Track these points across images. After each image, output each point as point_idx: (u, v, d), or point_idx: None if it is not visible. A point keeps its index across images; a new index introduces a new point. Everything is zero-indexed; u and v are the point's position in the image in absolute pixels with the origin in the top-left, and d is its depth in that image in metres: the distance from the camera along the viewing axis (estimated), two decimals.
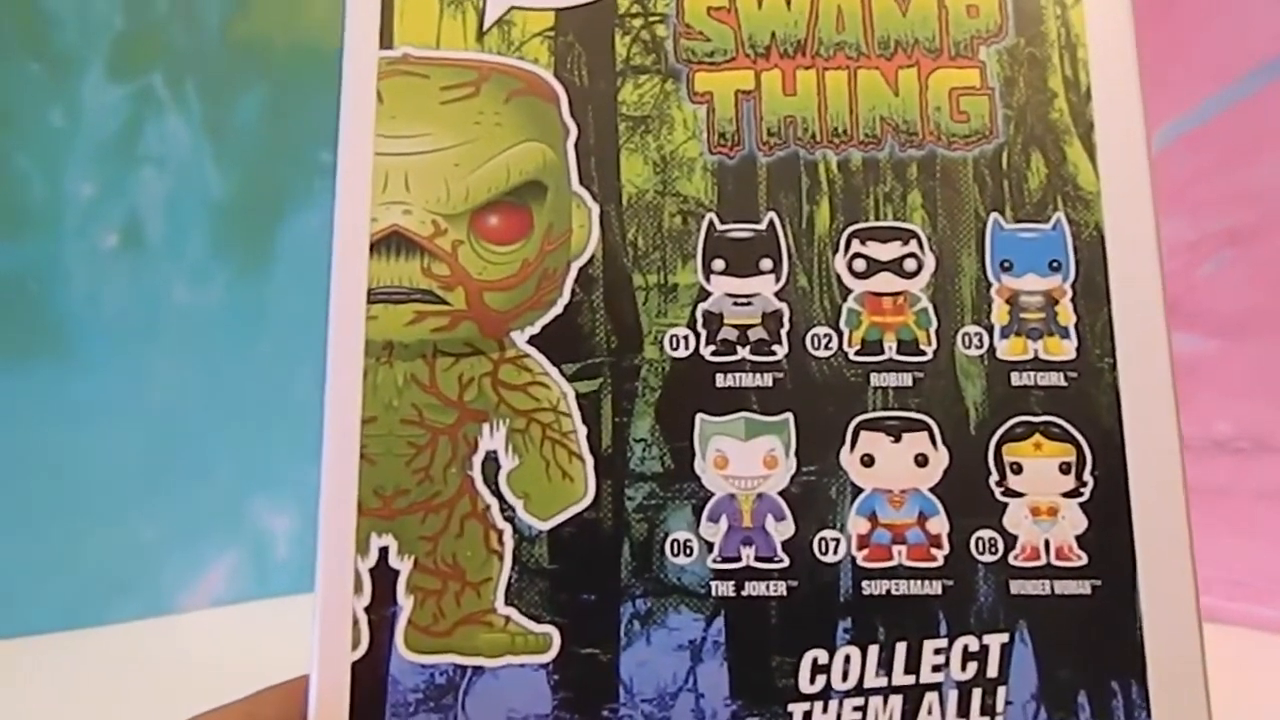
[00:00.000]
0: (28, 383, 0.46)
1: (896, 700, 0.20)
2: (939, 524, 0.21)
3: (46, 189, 0.46)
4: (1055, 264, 0.21)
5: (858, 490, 0.21)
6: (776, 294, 0.22)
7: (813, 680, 0.20)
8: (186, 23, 0.48)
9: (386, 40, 0.23)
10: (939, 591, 0.20)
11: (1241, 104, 0.43)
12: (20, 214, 0.46)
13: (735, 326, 0.21)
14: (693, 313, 0.21)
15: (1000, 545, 0.21)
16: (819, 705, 0.20)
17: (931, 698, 0.20)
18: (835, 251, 0.22)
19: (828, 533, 0.21)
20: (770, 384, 0.21)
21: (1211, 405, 0.44)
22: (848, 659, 0.20)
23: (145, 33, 0.47)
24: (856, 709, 0.20)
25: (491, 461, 0.21)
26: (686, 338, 0.21)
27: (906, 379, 0.21)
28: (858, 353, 0.21)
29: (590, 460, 0.21)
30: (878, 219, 0.22)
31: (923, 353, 0.21)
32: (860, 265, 0.22)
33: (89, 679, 0.44)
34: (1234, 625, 0.43)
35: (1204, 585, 0.42)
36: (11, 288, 0.46)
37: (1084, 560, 0.20)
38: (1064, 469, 0.21)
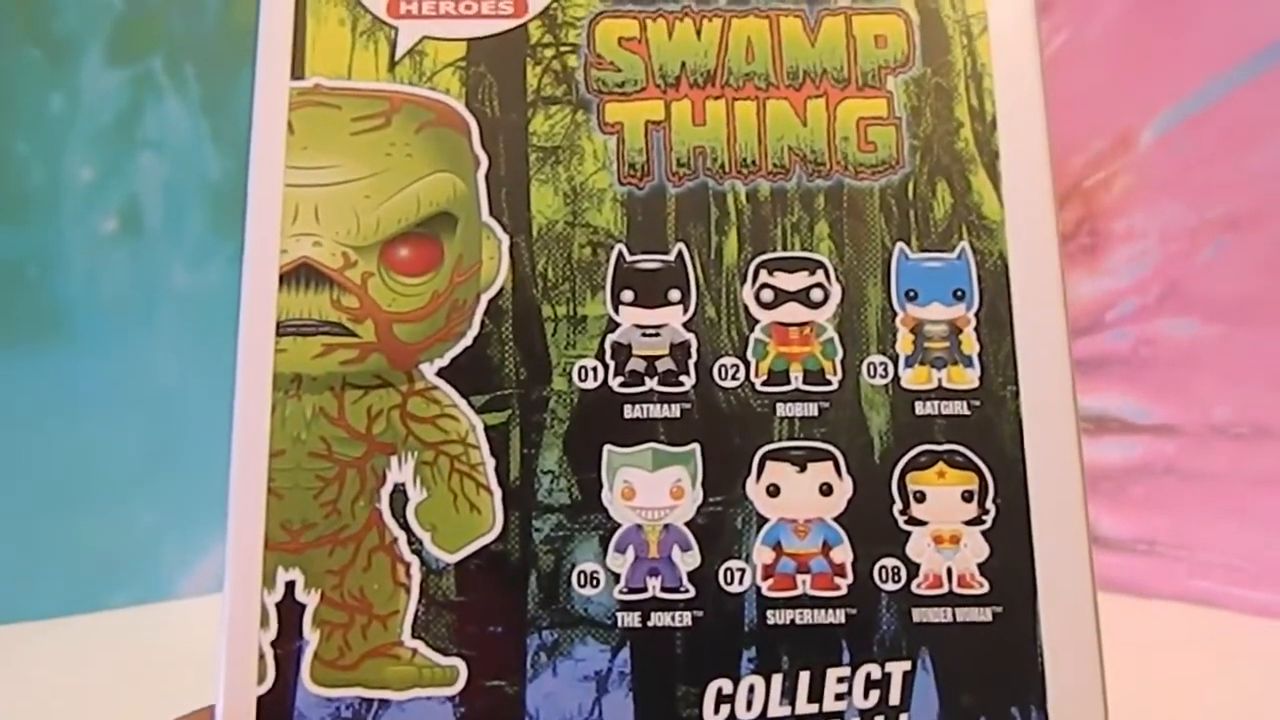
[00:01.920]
0: (27, 367, 0.46)
1: None
2: (843, 553, 0.21)
3: (46, 174, 0.46)
4: (959, 293, 0.22)
5: (763, 520, 0.21)
6: (685, 324, 0.22)
7: (717, 710, 0.20)
8: (185, 7, 0.48)
9: (298, 70, 0.23)
10: (842, 620, 0.21)
11: (1243, 89, 0.43)
12: (19, 199, 0.46)
13: (643, 357, 0.22)
14: (601, 344, 0.22)
15: (903, 573, 0.21)
16: None
17: None
18: (743, 282, 0.22)
19: (733, 563, 0.21)
20: (678, 414, 0.21)
21: (1211, 390, 0.44)
22: (751, 689, 0.20)
23: (144, 17, 0.47)
24: None
25: (400, 494, 0.21)
26: (595, 369, 0.22)
27: (812, 409, 0.21)
28: (764, 383, 0.21)
29: (498, 492, 0.21)
30: (785, 249, 0.22)
31: (828, 383, 0.21)
32: (768, 295, 0.22)
33: (88, 664, 0.44)
34: (1231, 610, 0.43)
35: (1202, 570, 0.42)
36: (11, 272, 0.46)
37: (985, 588, 0.21)
38: (966, 497, 0.21)
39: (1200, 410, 0.44)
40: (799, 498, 0.21)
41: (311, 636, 0.21)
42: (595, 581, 0.21)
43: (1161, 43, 0.44)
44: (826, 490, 0.21)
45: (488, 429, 0.21)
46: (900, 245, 0.22)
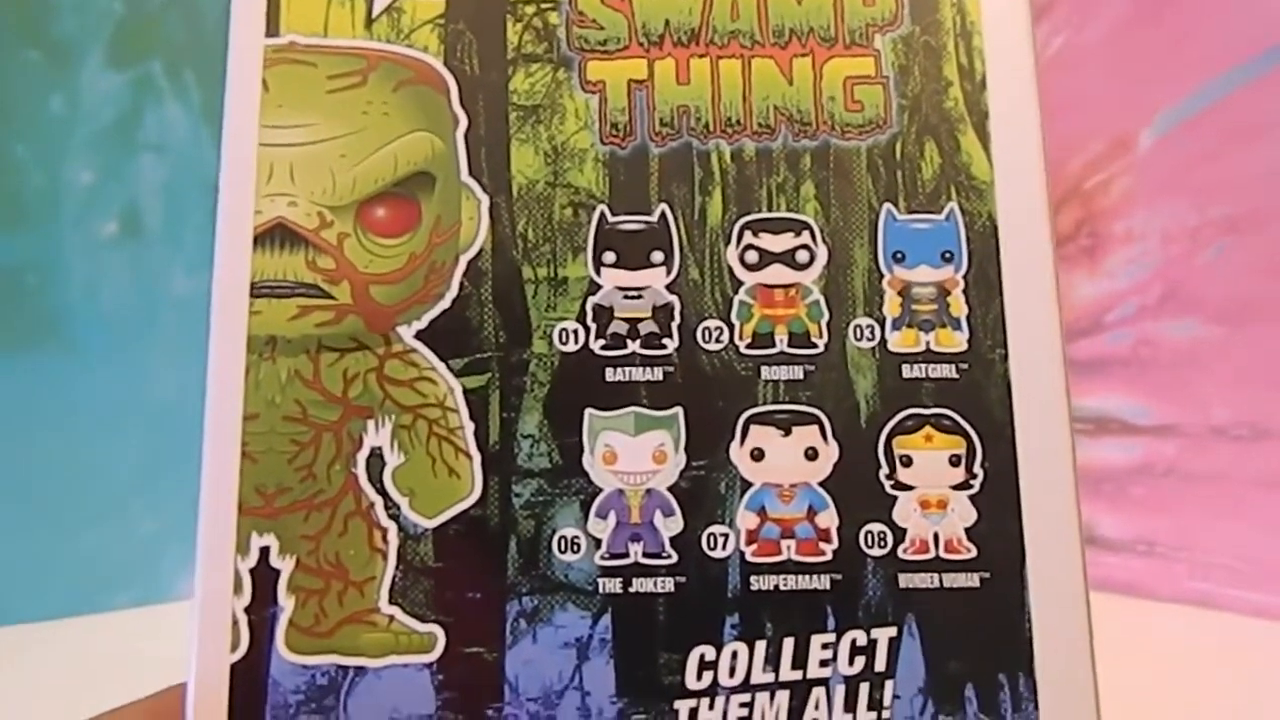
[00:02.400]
0: (27, 373, 0.46)
1: (783, 696, 0.20)
2: (828, 518, 0.20)
3: (45, 177, 0.46)
4: (948, 255, 0.21)
5: (747, 485, 0.21)
6: (668, 286, 0.21)
7: (699, 677, 0.20)
8: (185, 10, 0.47)
9: (273, 28, 0.22)
10: (827, 586, 0.20)
11: (1241, 90, 0.43)
12: (19, 203, 0.45)
13: (625, 320, 0.21)
14: (583, 306, 0.21)
15: (889, 539, 0.20)
16: (705, 702, 0.20)
17: (819, 693, 0.20)
18: (727, 243, 0.21)
19: (716, 528, 0.20)
20: (660, 378, 0.21)
21: (1211, 392, 0.44)
22: (735, 655, 0.20)
23: (144, 20, 0.47)
24: (743, 705, 0.20)
25: (376, 458, 0.21)
26: (576, 332, 0.21)
27: (797, 372, 0.21)
28: (749, 346, 0.21)
29: (477, 456, 0.21)
30: (770, 210, 0.22)
31: (814, 345, 0.21)
32: (752, 257, 0.21)
33: (89, 666, 0.44)
34: (1232, 612, 0.43)
35: (1202, 571, 0.42)
36: (10, 277, 0.46)
37: (973, 553, 0.20)
38: (954, 461, 0.21)
39: (1200, 411, 0.44)
40: (784, 462, 0.21)
41: (286, 603, 0.20)
42: (576, 547, 0.20)
43: (1160, 45, 0.44)
44: (812, 454, 0.21)
45: (466, 392, 0.21)
46: (888, 206, 0.22)
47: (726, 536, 0.20)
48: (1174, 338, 0.44)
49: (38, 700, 0.42)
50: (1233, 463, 0.43)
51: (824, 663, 0.20)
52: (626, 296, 0.21)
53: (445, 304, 0.21)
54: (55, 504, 0.47)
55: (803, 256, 0.21)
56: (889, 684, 0.20)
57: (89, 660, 0.45)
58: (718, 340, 0.21)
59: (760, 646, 0.20)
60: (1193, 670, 0.39)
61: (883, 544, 0.20)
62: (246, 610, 0.20)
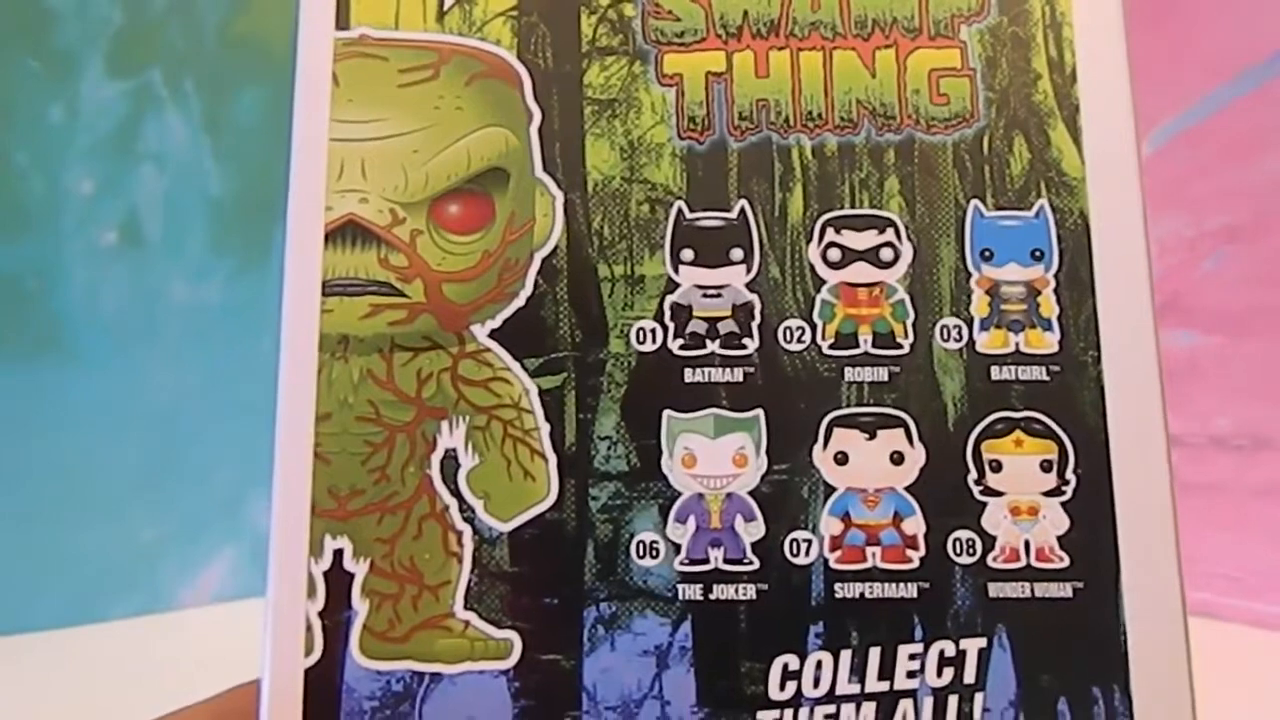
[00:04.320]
0: (27, 381, 0.46)
1: (870, 707, 0.19)
2: (915, 524, 0.20)
3: (45, 186, 0.46)
4: (1038, 253, 0.21)
5: (830, 489, 0.20)
6: (747, 285, 0.21)
7: (783, 687, 0.19)
8: (185, 19, 0.47)
9: (343, 20, 0.22)
10: (914, 595, 0.20)
11: (1241, 100, 0.43)
12: (19, 211, 0.46)
13: (704, 319, 0.21)
14: (660, 305, 0.21)
15: (978, 546, 0.20)
16: (789, 712, 0.19)
17: (906, 705, 0.19)
18: (809, 240, 0.21)
19: (799, 534, 0.20)
20: (740, 379, 0.20)
21: (1210, 402, 0.44)
22: (819, 665, 0.19)
23: (144, 30, 0.47)
24: (828, 716, 0.19)
25: (451, 460, 0.20)
26: (654, 331, 0.21)
27: (882, 373, 0.20)
28: (831, 346, 0.20)
29: (553, 459, 0.20)
30: (853, 206, 0.21)
31: (899, 346, 0.20)
32: (835, 255, 0.21)
33: (90, 675, 0.44)
34: (1231, 622, 0.43)
35: (1202, 581, 0.42)
36: (10, 286, 0.46)
37: (1065, 562, 0.20)
38: (1045, 467, 0.20)
39: (1200, 421, 0.44)
40: (868, 466, 0.20)
41: (360, 607, 0.20)
42: (655, 552, 0.20)
43: (1159, 56, 0.44)
44: (897, 459, 0.20)
45: (542, 393, 0.20)
46: (975, 203, 0.21)
47: (809, 542, 0.20)
48: (1174, 348, 0.44)
49: (39, 710, 0.43)
50: (1232, 473, 0.43)
51: (911, 674, 0.19)
52: (705, 295, 0.21)
53: (520, 302, 0.21)
54: (54, 510, 0.47)
55: (887, 254, 0.21)
56: (979, 696, 0.19)
57: (89, 669, 0.45)
58: (799, 340, 0.20)
59: (845, 656, 0.19)
60: (1194, 680, 0.38)
61: (971, 551, 0.20)
62: (320, 614, 0.20)
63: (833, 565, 0.20)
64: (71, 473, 0.47)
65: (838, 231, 0.21)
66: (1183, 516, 0.43)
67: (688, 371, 0.20)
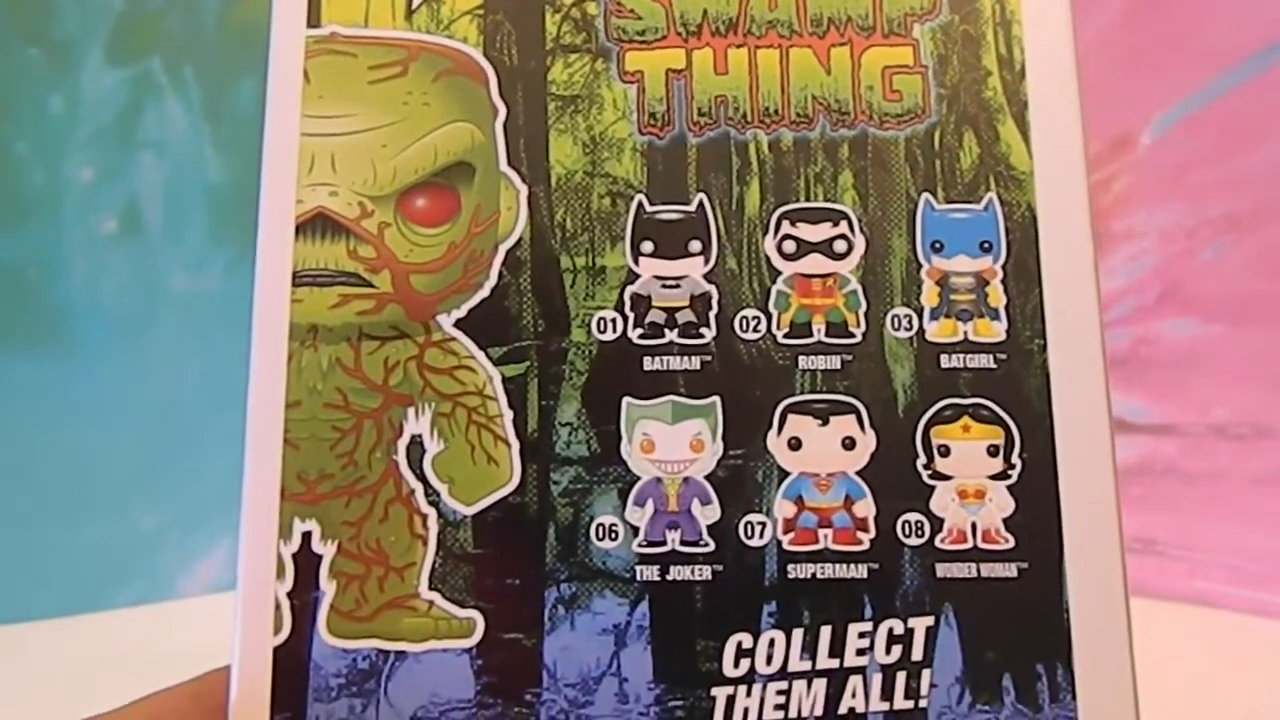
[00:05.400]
0: (27, 370, 0.46)
1: (820, 684, 0.20)
2: (866, 507, 0.20)
3: (45, 175, 0.46)
4: (986, 245, 0.21)
5: (784, 474, 0.21)
6: (705, 276, 0.21)
7: (737, 664, 0.20)
8: (185, 8, 0.47)
9: (314, 18, 0.22)
10: (864, 575, 0.20)
11: (1241, 89, 0.43)
12: (19, 200, 0.46)
13: (663, 309, 0.21)
14: (620, 295, 0.21)
15: (927, 528, 0.20)
16: (743, 689, 0.20)
17: (855, 681, 0.20)
18: (765, 233, 0.21)
19: (753, 516, 0.21)
20: (698, 367, 0.21)
21: (1210, 391, 0.44)
22: (772, 643, 0.20)
23: (144, 18, 0.47)
24: (780, 693, 0.20)
25: (416, 446, 0.21)
26: (614, 320, 0.21)
27: (835, 361, 0.21)
28: (786, 335, 0.21)
29: (516, 444, 0.21)
30: (808, 200, 0.22)
31: (851, 335, 0.21)
32: (790, 247, 0.21)
33: (89, 664, 0.45)
34: (1231, 610, 0.43)
35: (1202, 570, 0.42)
36: (10, 274, 0.46)
37: (1011, 543, 0.20)
38: (992, 451, 0.21)
39: (1200, 410, 0.44)
40: (821, 451, 0.21)
41: (328, 587, 0.20)
42: (614, 534, 0.21)
43: (1159, 44, 0.44)
44: (849, 444, 0.21)
45: (505, 380, 0.21)
46: (926, 196, 0.21)
47: (764, 525, 0.20)
48: (1173, 337, 0.44)
49: (38, 698, 0.43)
50: (1232, 462, 0.43)
51: (861, 651, 0.20)
52: (664, 286, 0.21)
53: (484, 293, 0.21)
54: (54, 501, 0.47)
55: (840, 246, 0.21)
56: (926, 673, 0.20)
57: (89, 658, 0.45)
58: (755, 330, 0.21)
59: (797, 635, 0.20)
60: (1193, 669, 0.39)
61: (920, 533, 0.20)
62: (289, 595, 0.20)
63: (786, 547, 0.20)
64: (71, 462, 0.47)
65: (793, 224, 0.21)
66: (1183, 506, 0.43)
67: (647, 360, 0.21)
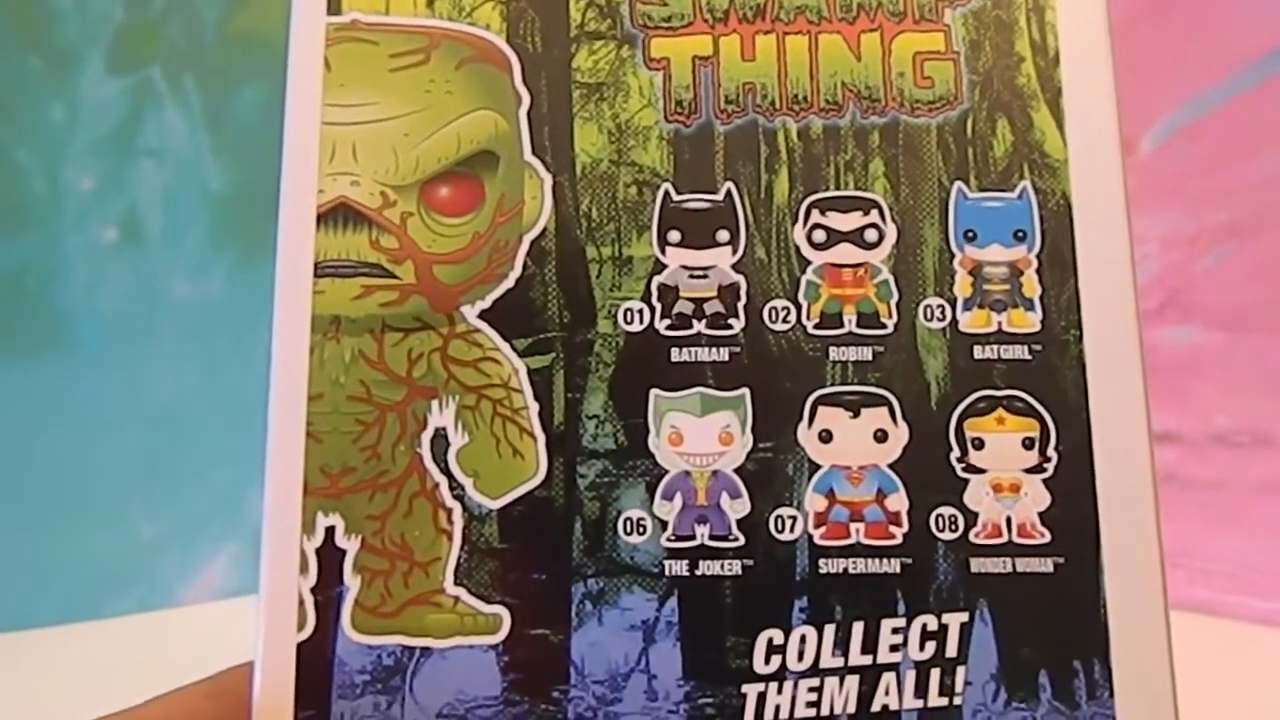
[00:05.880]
0: (27, 377, 0.46)
1: (853, 680, 0.20)
2: (898, 501, 0.20)
3: (46, 182, 0.46)
4: (1020, 234, 0.21)
5: (815, 467, 0.20)
6: (733, 266, 0.21)
7: (768, 660, 0.20)
8: (185, 16, 0.47)
9: (335, 6, 0.22)
10: (897, 570, 0.20)
11: (1241, 97, 0.43)
12: (19, 208, 0.46)
13: (691, 299, 0.21)
14: (647, 286, 0.21)
15: (961, 522, 0.20)
16: (774, 686, 0.20)
17: (889, 678, 0.20)
18: (794, 222, 0.21)
19: (784, 510, 0.20)
20: (727, 358, 0.21)
21: (1211, 399, 0.44)
22: (803, 639, 0.20)
23: (144, 26, 0.47)
24: (812, 689, 0.20)
25: (441, 439, 0.21)
26: (641, 311, 0.21)
27: (866, 353, 0.21)
28: (816, 326, 0.21)
29: (542, 437, 0.21)
30: (838, 188, 0.21)
31: (883, 326, 0.21)
32: (820, 236, 0.21)
33: (89, 672, 0.44)
34: (1233, 619, 0.43)
35: (1203, 579, 0.42)
36: (10, 282, 0.46)
37: (1047, 538, 0.20)
38: (1027, 444, 0.20)
39: (1200, 418, 0.44)
40: (852, 444, 0.20)
41: (352, 583, 0.20)
42: (642, 529, 0.20)
43: (1160, 51, 0.44)
44: (881, 436, 0.20)
45: (531, 373, 0.21)
46: (958, 184, 0.21)
47: (794, 519, 0.20)
48: (1174, 344, 0.44)
49: (38, 706, 0.43)
50: (1233, 470, 0.43)
51: (894, 648, 0.20)
52: (692, 276, 0.21)
53: (509, 284, 0.21)
54: (54, 508, 0.47)
55: (871, 235, 0.21)
56: (960, 670, 0.20)
57: (89, 666, 0.45)
58: (785, 320, 0.21)
59: (829, 630, 0.20)
60: (1194, 678, 0.38)
61: (954, 528, 0.20)
62: (313, 590, 0.20)
63: (817, 541, 0.20)
64: (71, 469, 0.47)
65: (823, 213, 0.21)
66: (1184, 513, 0.43)
67: (674, 351, 0.21)
